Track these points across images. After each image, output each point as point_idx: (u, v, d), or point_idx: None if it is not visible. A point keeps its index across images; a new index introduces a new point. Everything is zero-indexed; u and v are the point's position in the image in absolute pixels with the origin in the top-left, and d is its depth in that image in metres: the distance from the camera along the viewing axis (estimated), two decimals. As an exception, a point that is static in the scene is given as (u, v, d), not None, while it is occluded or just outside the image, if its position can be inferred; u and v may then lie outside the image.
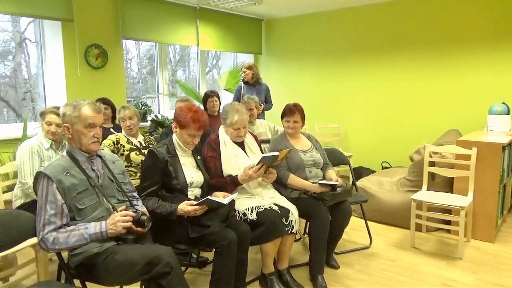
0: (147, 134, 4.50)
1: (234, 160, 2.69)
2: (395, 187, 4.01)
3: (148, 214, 2.02)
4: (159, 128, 4.88)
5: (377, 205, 3.98)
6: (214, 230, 2.25)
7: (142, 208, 2.16)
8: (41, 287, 1.88)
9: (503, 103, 4.15)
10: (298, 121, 3.02)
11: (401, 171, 4.44)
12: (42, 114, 2.96)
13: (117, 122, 3.63)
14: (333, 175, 3.01)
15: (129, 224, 1.90)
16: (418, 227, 3.61)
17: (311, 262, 2.80)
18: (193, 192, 2.47)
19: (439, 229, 3.71)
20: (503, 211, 3.88)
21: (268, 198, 2.70)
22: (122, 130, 3.38)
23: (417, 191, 3.61)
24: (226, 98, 5.81)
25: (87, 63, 4.34)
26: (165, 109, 5.55)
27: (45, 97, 4.38)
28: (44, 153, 2.90)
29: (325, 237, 2.76)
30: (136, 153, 3.26)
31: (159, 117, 5.09)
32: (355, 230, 3.75)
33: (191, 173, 2.46)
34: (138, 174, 3.19)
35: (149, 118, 5.07)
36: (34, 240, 1.93)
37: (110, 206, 1.98)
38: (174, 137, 2.49)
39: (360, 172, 5.22)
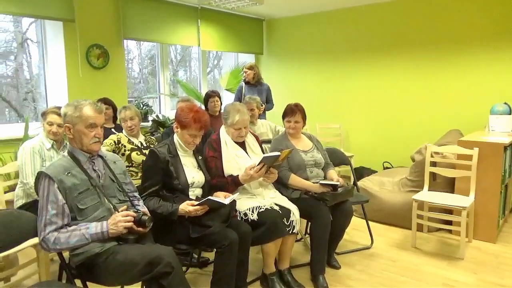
0: (148, 134, 4.51)
1: (235, 160, 2.69)
2: (397, 187, 4.00)
3: (149, 214, 2.02)
4: (160, 128, 4.88)
5: (378, 205, 3.97)
6: (215, 230, 2.25)
7: (143, 208, 2.17)
8: (43, 287, 1.88)
9: (505, 103, 4.14)
10: (299, 121, 3.01)
11: (402, 171, 4.44)
12: (44, 114, 2.97)
13: (118, 122, 3.63)
14: (334, 175, 3.01)
15: (130, 224, 1.90)
16: (420, 227, 3.60)
17: (312, 262, 2.80)
18: (194, 192, 2.47)
19: (440, 229, 3.70)
20: (505, 211, 3.87)
21: (269, 198, 2.70)
22: (123, 130, 3.38)
23: (419, 191, 3.61)
24: (227, 98, 5.82)
25: (88, 63, 4.35)
26: (166, 109, 5.55)
27: (47, 97, 4.38)
28: (46, 153, 2.91)
29: (326, 237, 2.76)
30: (137, 153, 3.26)
31: (160, 117, 5.09)
32: (356, 230, 3.75)
33: (192, 173, 2.47)
34: (139, 174, 3.19)
35: (150, 118, 5.07)
36: (35, 240, 1.93)
37: (111, 206, 1.98)
38: (175, 137, 2.49)
39: (361, 172, 5.21)
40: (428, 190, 3.58)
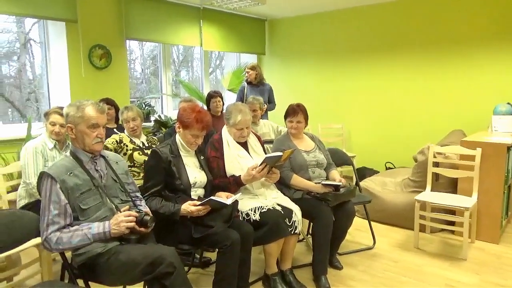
0: (151, 134, 4.51)
1: (237, 161, 2.69)
2: (399, 188, 3.99)
3: (151, 214, 2.03)
4: (163, 128, 4.89)
5: (380, 205, 3.96)
6: (217, 230, 2.25)
7: (145, 208, 2.17)
8: (45, 287, 1.88)
9: (508, 103, 4.13)
10: (301, 121, 3.01)
11: (404, 171, 4.43)
12: (46, 115, 2.97)
13: (120, 122, 3.64)
14: (337, 175, 3.00)
15: (132, 224, 1.90)
16: (422, 228, 3.59)
17: (314, 263, 2.80)
18: (196, 192, 2.48)
19: (443, 230, 3.69)
20: (508, 212, 3.86)
21: (271, 198, 2.70)
22: (125, 131, 3.39)
23: (421, 191, 3.60)
24: (230, 98, 5.82)
25: (91, 63, 4.36)
26: (169, 109, 5.56)
27: (49, 98, 4.40)
28: (48, 153, 2.91)
29: (328, 238, 2.76)
30: (139, 153, 3.27)
31: (163, 117, 5.10)
32: (358, 230, 3.75)
33: (194, 173, 2.47)
34: (141, 175, 3.19)
35: (152, 118, 5.08)
36: (38, 240, 1.94)
37: (114, 206, 1.99)
38: (178, 137, 2.49)
39: (363, 173, 5.20)
40: (431, 191, 3.57)
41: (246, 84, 5.05)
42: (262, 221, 2.50)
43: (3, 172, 2.94)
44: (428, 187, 3.59)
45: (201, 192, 2.51)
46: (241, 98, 4.98)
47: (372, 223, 3.53)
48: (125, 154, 3.23)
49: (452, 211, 3.47)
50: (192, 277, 2.87)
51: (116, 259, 1.85)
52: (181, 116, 2.43)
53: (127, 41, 4.78)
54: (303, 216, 2.73)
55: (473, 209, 3.35)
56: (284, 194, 2.84)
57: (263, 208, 2.56)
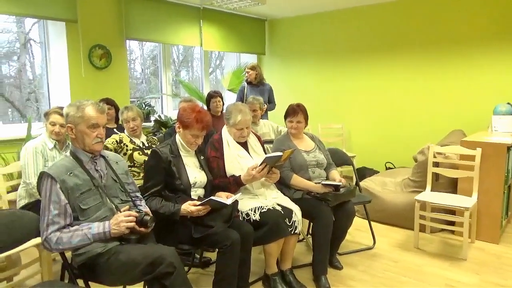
0: (151, 134, 4.51)
1: (237, 161, 2.69)
2: (399, 188, 3.99)
3: (151, 214, 2.03)
4: (163, 128, 4.89)
5: (380, 205, 3.96)
6: (217, 230, 2.25)
7: (145, 208, 2.17)
8: (45, 287, 1.89)
9: (508, 103, 4.13)
10: (301, 121, 3.01)
11: (404, 171, 4.43)
12: (46, 115, 2.97)
13: (120, 122, 3.64)
14: (337, 175, 3.00)
15: (132, 224, 1.90)
16: (422, 228, 3.59)
17: (314, 263, 2.80)
18: (196, 192, 2.48)
19: (443, 230, 3.69)
20: (508, 212, 3.86)
21: (271, 198, 2.70)
22: (125, 131, 3.39)
23: (421, 191, 3.60)
24: (230, 98, 5.82)
25: (91, 63, 4.36)
26: (169, 109, 5.56)
27: (49, 98, 4.40)
28: (48, 153, 2.91)
29: (328, 238, 2.76)
30: (139, 153, 3.27)
31: (163, 117, 5.10)
32: (358, 230, 3.75)
33: (194, 173, 2.47)
34: (141, 175, 3.19)
35: (152, 118, 5.08)
36: (38, 240, 1.94)
37: (114, 206, 1.99)
38: (178, 137, 2.49)
39: (363, 173, 5.20)
40: (431, 191, 3.57)
41: (246, 84, 5.06)
42: (262, 221, 2.50)
43: (3, 172, 2.94)
44: (428, 187, 3.59)
45: (201, 192, 2.51)
46: (241, 98, 4.98)
47: (372, 223, 3.54)
48: (125, 154, 3.23)
49: (452, 211, 3.47)
50: (192, 277, 2.87)
51: (116, 259, 1.85)
52: (181, 116, 2.43)
53: (127, 41, 4.78)
54: (303, 216, 2.73)
55: (473, 209, 3.35)
56: (284, 194, 2.84)
57: (263, 208, 2.56)
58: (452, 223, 3.51)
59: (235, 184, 2.60)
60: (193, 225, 2.29)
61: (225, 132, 2.79)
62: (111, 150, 3.11)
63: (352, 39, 5.64)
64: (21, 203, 2.87)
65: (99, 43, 4.40)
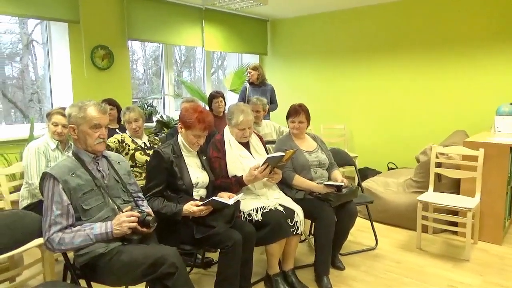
0: (152, 134, 4.52)
1: (239, 161, 2.69)
2: (401, 188, 3.99)
3: (153, 215, 2.03)
4: (165, 129, 4.89)
5: (382, 206, 3.95)
6: (219, 230, 2.25)
7: (147, 208, 2.17)
8: (47, 287, 1.89)
9: (511, 103, 4.11)
10: (303, 121, 3.01)
11: (407, 172, 4.42)
12: (49, 115, 2.98)
13: (122, 123, 3.65)
14: (339, 175, 3.00)
15: (134, 224, 1.91)
16: (424, 229, 3.58)
17: (316, 263, 2.80)
18: (198, 192, 2.48)
19: (445, 230, 3.68)
20: (511, 212, 3.84)
21: (273, 198, 2.70)
22: (127, 131, 3.39)
23: (423, 192, 3.59)
24: (232, 98, 5.82)
25: (93, 64, 4.37)
26: (171, 109, 5.56)
27: (52, 98, 4.41)
28: (50, 153, 2.92)
29: (330, 238, 2.75)
30: (140, 153, 3.27)
31: (165, 117, 5.10)
32: (360, 231, 3.74)
33: (196, 174, 2.47)
34: (143, 175, 3.20)
35: (154, 118, 5.09)
36: (40, 240, 1.94)
37: (116, 207, 1.99)
38: (180, 138, 2.50)
39: (365, 173, 5.19)
40: (433, 191, 3.56)
41: (248, 84, 5.06)
42: (264, 222, 2.50)
43: (5, 173, 2.95)
44: (431, 187, 3.58)
45: (203, 192, 2.51)
46: (243, 98, 4.98)
47: (374, 223, 3.52)
48: (127, 154, 3.23)
49: (454, 212, 3.46)
50: (194, 278, 2.88)
51: (118, 259, 1.85)
52: (183, 117, 2.44)
53: (129, 41, 4.78)
54: (305, 216, 2.73)
55: (475, 210, 3.33)
56: (286, 195, 2.84)
57: (265, 209, 2.56)
58: (454, 224, 3.50)
59: (237, 185, 2.60)
60: (195, 226, 2.29)
61: (227, 132, 2.79)
62: (112, 149, 3.12)
63: (354, 39, 5.63)
64: (24, 203, 2.88)
65: (101, 44, 4.41)
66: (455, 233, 3.65)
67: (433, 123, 5.07)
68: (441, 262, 3.15)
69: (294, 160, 2.89)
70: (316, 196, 2.82)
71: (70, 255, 1.96)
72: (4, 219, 1.87)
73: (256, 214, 2.52)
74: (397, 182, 4.09)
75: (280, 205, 2.64)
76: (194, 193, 2.44)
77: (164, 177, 2.37)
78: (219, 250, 2.31)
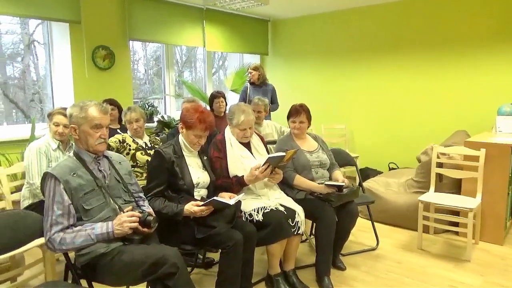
0: (153, 134, 4.52)
1: (240, 161, 2.69)
2: (402, 189, 3.98)
3: (154, 215, 2.03)
4: (166, 129, 4.90)
5: (384, 206, 3.95)
6: (220, 230, 2.25)
7: (148, 208, 2.17)
8: (48, 287, 1.89)
9: (512, 103, 4.11)
10: (304, 121, 3.01)
11: (408, 172, 4.41)
12: (50, 115, 2.98)
13: (123, 123, 3.65)
14: (340, 176, 3.00)
15: (136, 224, 1.91)
16: (426, 229, 3.58)
17: (317, 263, 2.79)
18: (199, 192, 2.48)
19: (446, 231, 3.68)
20: (512, 213, 3.84)
21: (274, 199, 2.70)
22: (128, 131, 3.39)
23: (425, 192, 3.58)
24: (233, 99, 5.82)
25: (94, 64, 4.37)
26: (172, 110, 5.57)
27: (53, 98, 4.41)
28: (52, 153, 2.92)
29: (332, 238, 2.75)
30: (141, 153, 3.27)
31: (166, 118, 5.11)
32: (361, 231, 3.73)
33: (197, 174, 2.47)
34: (144, 175, 3.21)
35: (155, 119, 5.09)
36: (41, 240, 1.94)
37: (117, 207, 1.99)
38: (181, 138, 2.50)
39: (366, 173, 5.19)
40: (434, 191, 3.56)
41: (249, 84, 5.06)
42: (265, 222, 2.50)
43: (7, 173, 2.95)
44: (432, 187, 3.58)
45: (204, 192, 2.52)
46: (244, 98, 4.98)
47: (375, 223, 3.52)
48: (127, 153, 3.24)
49: (456, 212, 3.46)
50: (195, 278, 2.88)
51: (119, 259, 1.85)
52: (184, 117, 2.44)
53: (130, 42, 4.79)
54: (306, 216, 2.73)
55: (477, 210, 3.33)
56: (287, 195, 2.84)
57: (266, 209, 2.56)
58: (456, 224, 3.49)
59: (238, 185, 2.60)
60: (196, 226, 2.29)
61: (228, 132, 2.79)
62: (113, 149, 3.12)
63: (355, 39, 5.63)
64: (25, 203, 2.88)
65: (102, 44, 4.41)
66: (456, 233, 3.65)
67: (434, 123, 5.07)
68: (442, 263, 3.15)
69: (295, 160, 2.89)
70: (317, 196, 2.81)
71: (71, 255, 1.96)
72: (5, 219, 1.87)
73: (257, 214, 2.52)
74: (398, 182, 4.09)
75: (281, 205, 2.64)
76: (195, 193, 2.44)
77: (165, 177, 2.37)
78: (220, 250, 2.30)
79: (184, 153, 2.47)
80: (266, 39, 6.47)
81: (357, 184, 4.00)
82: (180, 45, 5.39)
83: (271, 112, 4.96)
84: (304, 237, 3.42)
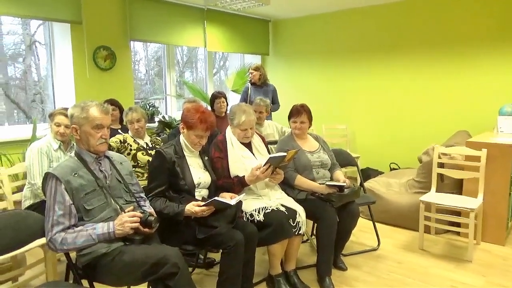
0: (155, 135, 4.53)
1: (241, 161, 2.69)
2: (404, 189, 3.98)
3: (155, 215, 2.03)
4: (167, 129, 4.90)
5: (385, 206, 3.95)
6: (221, 231, 2.25)
7: (149, 208, 2.17)
8: (50, 287, 1.89)
9: (514, 103, 4.11)
10: (305, 121, 3.01)
11: (409, 172, 4.41)
12: (51, 116, 2.99)
13: (124, 123, 3.66)
14: (341, 176, 2.99)
15: (137, 224, 1.91)
16: (427, 229, 3.57)
17: (319, 264, 2.79)
18: (200, 193, 2.48)
19: (448, 231, 3.67)
20: (514, 213, 3.83)
21: (275, 199, 2.69)
22: (129, 132, 3.40)
23: (426, 192, 3.58)
24: (233, 99, 5.82)
25: (95, 64, 4.38)
26: (173, 110, 5.57)
27: (54, 99, 4.42)
28: (53, 154, 2.93)
29: (333, 239, 2.75)
30: (142, 153, 3.28)
31: (167, 118, 5.11)
32: (362, 231, 3.73)
33: (199, 174, 2.47)
34: (145, 175, 3.21)
35: (156, 119, 5.09)
36: (42, 240, 1.95)
37: (118, 207, 1.99)
38: (182, 138, 2.50)
39: (368, 173, 5.18)
40: (436, 192, 3.55)
41: (250, 84, 5.06)
42: (266, 222, 2.50)
43: (8, 173, 2.96)
44: (433, 188, 3.58)
45: (205, 192, 2.52)
46: (245, 98, 4.98)
47: (376, 224, 3.52)
48: (128, 154, 3.24)
49: (457, 212, 3.45)
50: (196, 278, 2.88)
51: (120, 259, 1.85)
52: (185, 117, 2.44)
53: (132, 42, 4.79)
54: (307, 217, 2.73)
55: (478, 210, 3.32)
56: (288, 195, 2.84)
57: (267, 209, 2.55)
58: (457, 225, 3.49)
59: (239, 185, 2.60)
60: (197, 226, 2.29)
61: (229, 132, 2.79)
62: (114, 149, 3.12)
63: (356, 39, 5.62)
64: (26, 203, 2.89)
65: (103, 45, 4.42)
66: (457, 233, 3.64)
67: (435, 123, 5.06)
68: (444, 263, 3.14)
69: (296, 160, 2.89)
70: (318, 196, 2.81)
71: (73, 255, 1.96)
72: (7, 219, 1.88)
73: (258, 215, 2.52)
74: (400, 182, 4.08)
75: (282, 205, 2.64)
76: (196, 194, 2.44)
77: (166, 177, 2.37)
78: (221, 250, 2.30)
79: (185, 153, 2.47)
80: (267, 39, 6.47)
81: (358, 184, 3.99)
82: (181, 45, 5.39)
83: (272, 113, 4.96)
84: (305, 238, 3.42)
